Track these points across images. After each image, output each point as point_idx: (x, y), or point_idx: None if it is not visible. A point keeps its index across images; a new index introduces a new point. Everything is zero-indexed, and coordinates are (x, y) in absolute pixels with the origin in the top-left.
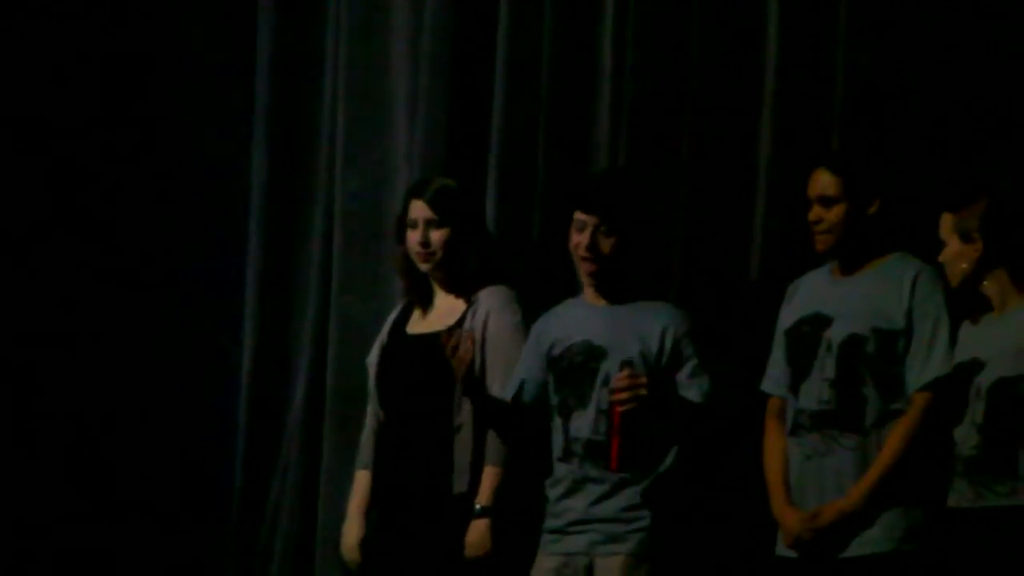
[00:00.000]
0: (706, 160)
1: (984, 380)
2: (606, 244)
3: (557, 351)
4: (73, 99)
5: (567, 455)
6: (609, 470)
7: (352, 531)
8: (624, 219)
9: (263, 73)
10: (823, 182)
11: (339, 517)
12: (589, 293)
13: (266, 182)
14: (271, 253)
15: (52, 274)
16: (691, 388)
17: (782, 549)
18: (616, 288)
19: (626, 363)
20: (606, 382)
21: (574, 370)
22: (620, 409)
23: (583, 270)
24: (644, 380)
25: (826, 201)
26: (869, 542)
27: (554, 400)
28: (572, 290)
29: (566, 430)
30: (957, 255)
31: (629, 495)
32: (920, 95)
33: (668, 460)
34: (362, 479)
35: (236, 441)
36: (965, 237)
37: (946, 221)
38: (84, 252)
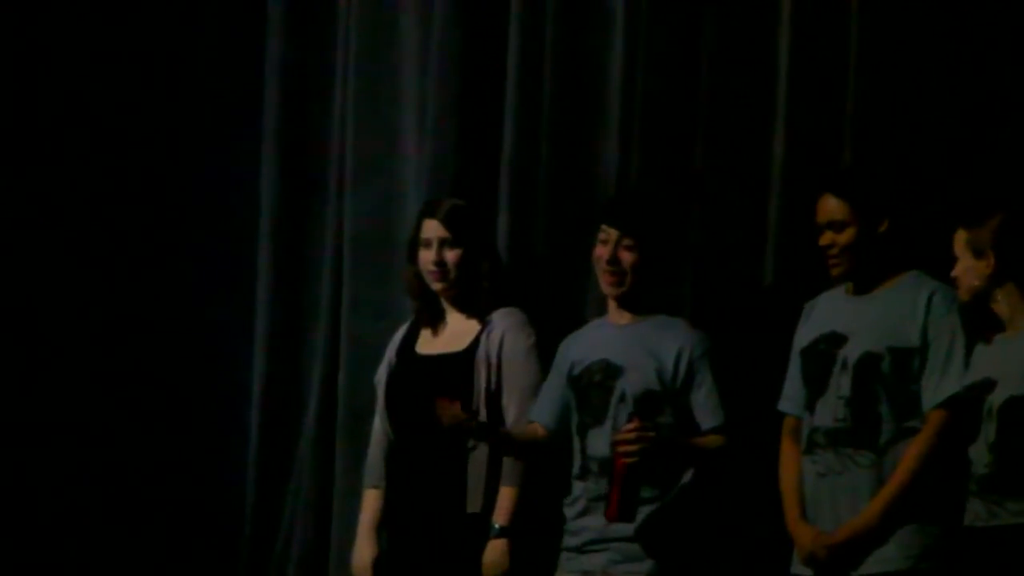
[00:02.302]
0: (718, 176)
1: (996, 399)
2: (627, 258)
3: (577, 371)
4: (83, 115)
5: (584, 473)
6: (607, 518)
7: (364, 550)
8: (646, 236)
9: (272, 92)
10: (831, 207)
11: (352, 535)
12: (612, 311)
13: (276, 199)
14: (282, 270)
15: (63, 293)
16: (705, 410)
17: (797, 567)
18: (636, 304)
19: (634, 413)
20: (622, 399)
21: (592, 388)
22: (624, 461)
23: (603, 282)
24: (651, 434)
25: (836, 226)
26: (884, 560)
27: (575, 419)
28: (582, 309)
29: (583, 448)
30: (968, 271)
31: (646, 514)
32: (934, 103)
33: (685, 479)
34: (371, 498)
35: (248, 459)
36: (978, 253)
37: (960, 237)
38: (95, 272)
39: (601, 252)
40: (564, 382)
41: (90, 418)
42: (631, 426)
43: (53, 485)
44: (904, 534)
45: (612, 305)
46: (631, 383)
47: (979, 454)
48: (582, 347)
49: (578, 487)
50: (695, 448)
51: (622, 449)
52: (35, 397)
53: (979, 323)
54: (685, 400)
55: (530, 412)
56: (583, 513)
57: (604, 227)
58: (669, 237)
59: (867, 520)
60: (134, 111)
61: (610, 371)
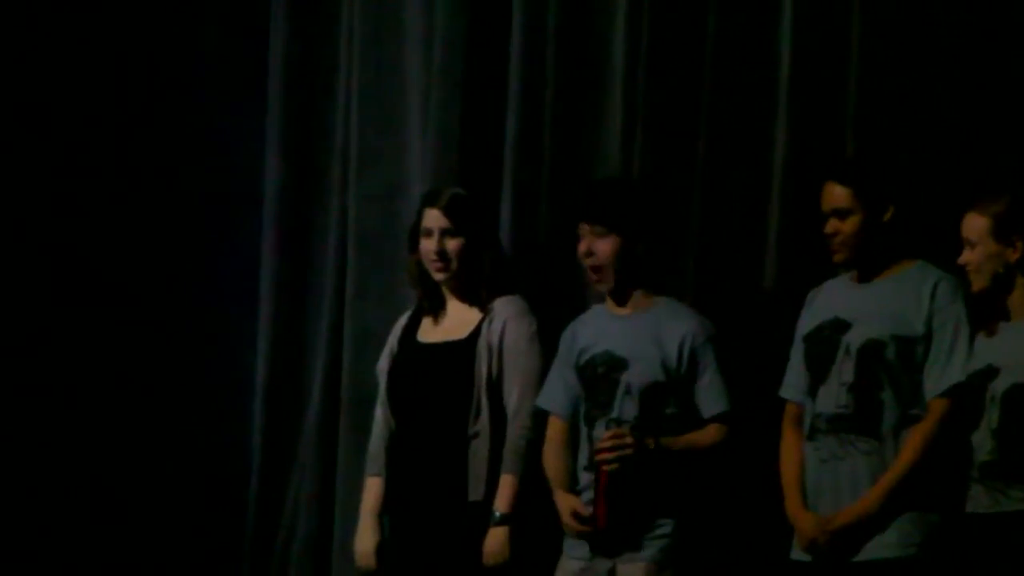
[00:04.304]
0: (720, 165)
1: (999, 386)
2: (604, 248)
3: (583, 360)
4: (86, 106)
5: (591, 464)
6: (596, 529)
7: (366, 537)
8: (617, 222)
9: (276, 81)
10: (835, 195)
11: (355, 523)
12: (608, 301)
13: (280, 189)
14: (286, 260)
15: (65, 283)
16: (708, 397)
17: (797, 553)
18: (630, 296)
19: (612, 421)
20: (628, 392)
21: (597, 380)
22: (606, 469)
23: (590, 280)
24: (629, 440)
25: (840, 213)
26: (884, 546)
27: (583, 408)
28: (584, 298)
29: (590, 439)
30: (990, 258)
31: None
32: (936, 94)
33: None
34: (373, 485)
35: (252, 446)
36: (1003, 240)
37: (978, 222)
38: (98, 260)
39: (579, 248)
40: (574, 372)
41: (93, 408)
42: (608, 435)
43: (55, 478)
44: (904, 521)
45: (608, 299)
46: (636, 376)
47: (982, 441)
48: (588, 335)
49: (586, 477)
50: (686, 450)
51: (600, 458)
52: (35, 390)
53: (984, 312)
54: (691, 389)
55: (540, 401)
56: (590, 503)
57: (579, 224)
58: (651, 221)
59: (867, 506)
60: (136, 103)
61: (614, 363)
